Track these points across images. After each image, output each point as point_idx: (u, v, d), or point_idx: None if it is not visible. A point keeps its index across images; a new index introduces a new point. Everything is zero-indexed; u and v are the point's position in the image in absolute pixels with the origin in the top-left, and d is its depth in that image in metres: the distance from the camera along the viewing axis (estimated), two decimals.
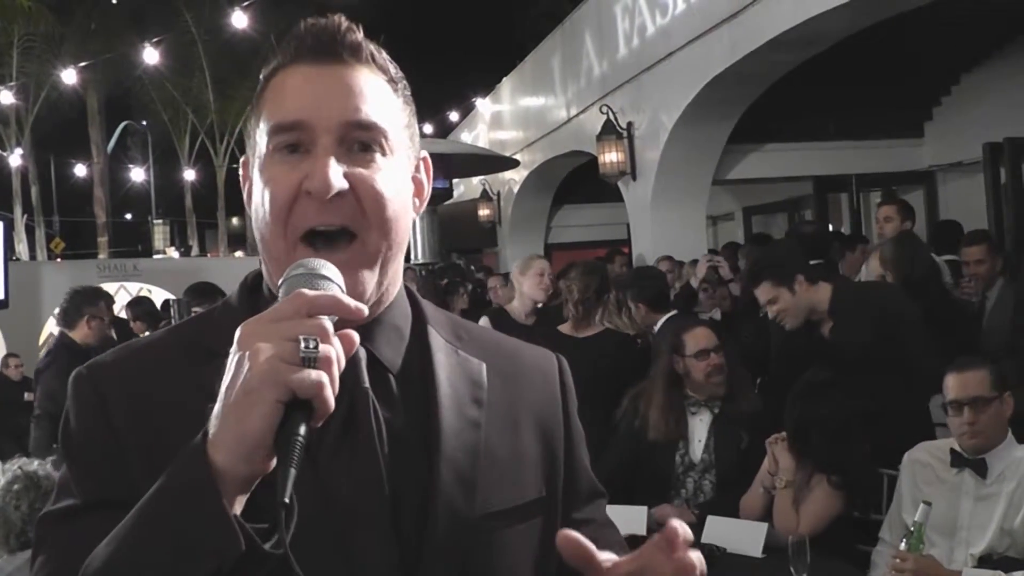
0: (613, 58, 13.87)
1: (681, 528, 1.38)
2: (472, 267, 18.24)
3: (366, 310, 1.35)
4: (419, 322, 1.67)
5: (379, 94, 1.57)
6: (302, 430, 1.23)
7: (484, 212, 19.72)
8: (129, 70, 29.00)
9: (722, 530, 4.90)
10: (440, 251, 12.01)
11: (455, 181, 16.33)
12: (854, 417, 5.08)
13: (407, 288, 1.70)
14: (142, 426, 1.47)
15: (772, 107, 11.94)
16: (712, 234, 18.72)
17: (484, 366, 1.66)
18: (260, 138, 1.56)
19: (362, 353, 1.51)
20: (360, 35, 1.58)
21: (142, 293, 17.66)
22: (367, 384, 1.51)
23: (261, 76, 1.61)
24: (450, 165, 11.01)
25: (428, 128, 27.95)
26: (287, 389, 1.21)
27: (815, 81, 11.56)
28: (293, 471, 1.21)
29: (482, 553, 1.54)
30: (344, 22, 1.58)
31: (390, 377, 1.58)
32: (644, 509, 5.09)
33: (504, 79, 20.66)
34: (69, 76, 21.25)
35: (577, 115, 15.42)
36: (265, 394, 1.21)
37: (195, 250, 35.86)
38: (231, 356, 1.27)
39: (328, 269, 1.40)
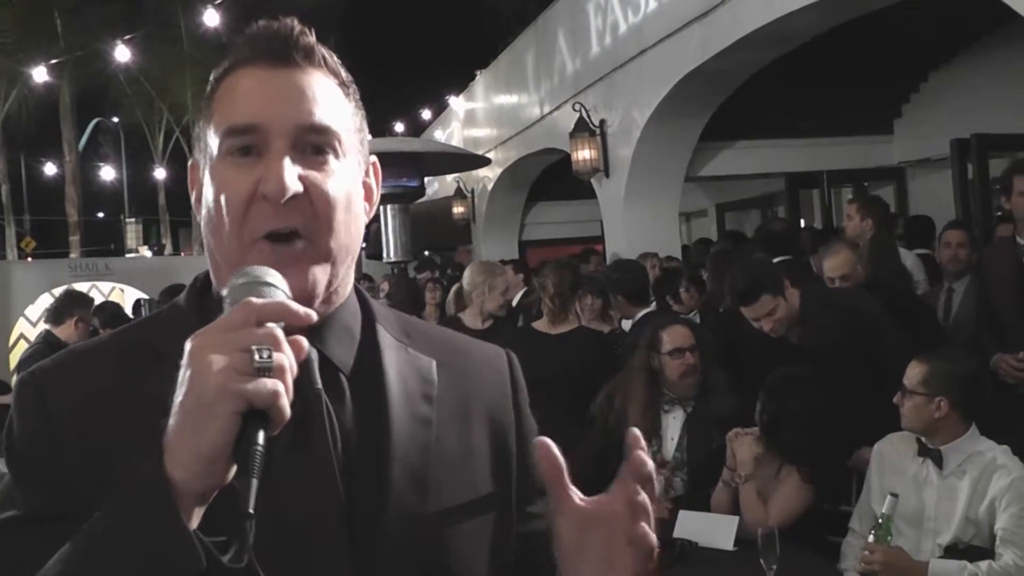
0: (586, 56, 13.89)
1: (647, 459, 1.39)
2: (447, 266, 18.25)
3: (314, 315, 1.33)
4: (368, 321, 1.67)
5: (332, 98, 1.57)
6: (260, 439, 1.22)
7: (458, 209, 19.71)
8: (102, 66, 28.85)
9: (694, 524, 4.94)
10: (413, 249, 11.99)
11: (428, 179, 16.32)
12: (827, 410, 5.12)
13: (356, 288, 1.70)
14: (88, 433, 1.44)
15: (744, 104, 11.98)
16: (685, 230, 18.80)
17: (434, 363, 1.66)
18: (211, 140, 1.55)
19: (314, 354, 1.50)
20: (313, 38, 1.58)
21: (114, 293, 17.57)
22: (320, 385, 1.50)
23: (212, 77, 1.60)
24: (422, 163, 10.99)
25: (401, 127, 27.95)
26: (243, 400, 1.20)
27: (786, 79, 11.60)
28: (255, 481, 1.20)
29: (437, 550, 1.54)
30: (297, 25, 1.58)
31: (342, 377, 1.57)
32: None
33: (478, 77, 20.65)
34: (40, 73, 21.12)
35: (550, 112, 15.44)
36: (221, 407, 1.20)
37: (168, 249, 35.71)
38: (182, 370, 1.25)
39: (272, 276, 1.38)
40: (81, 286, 16.12)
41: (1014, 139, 11.24)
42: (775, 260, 6.77)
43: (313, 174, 1.50)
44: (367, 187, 1.67)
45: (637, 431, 1.43)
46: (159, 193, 35.28)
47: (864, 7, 9.02)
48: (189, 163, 1.66)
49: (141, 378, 1.44)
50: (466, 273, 7.78)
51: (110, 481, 1.28)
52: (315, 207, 1.50)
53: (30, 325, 15.05)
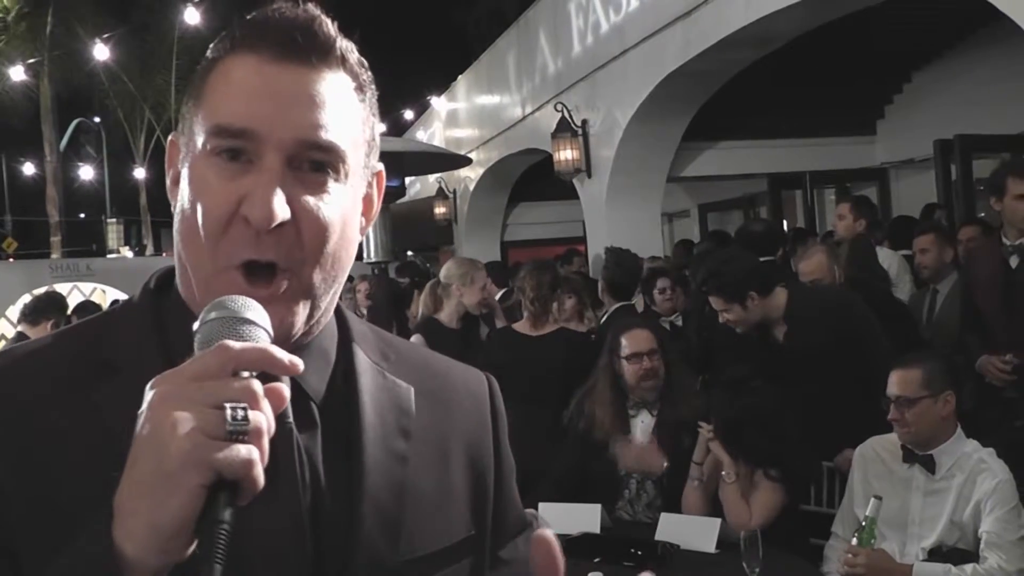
0: (568, 56, 13.86)
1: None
2: (428, 265, 18.21)
3: (301, 366, 1.15)
4: (345, 341, 1.50)
5: (343, 107, 1.37)
6: (228, 515, 1.05)
7: (440, 210, 19.68)
8: (83, 65, 28.77)
9: (675, 527, 4.91)
10: (393, 249, 11.93)
11: (410, 179, 16.25)
12: (782, 408, 5.13)
13: None
14: (22, 459, 1.26)
15: (726, 105, 11.97)
16: (668, 231, 18.80)
17: (412, 391, 1.51)
18: (197, 130, 1.36)
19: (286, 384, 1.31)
20: (334, 31, 1.38)
21: (96, 293, 17.49)
22: (291, 419, 1.34)
23: (208, 53, 1.40)
24: (403, 163, 10.93)
25: (383, 127, 27.91)
26: (212, 471, 1.03)
27: (769, 79, 11.62)
28: (219, 567, 1.02)
29: None
30: (317, 14, 1.37)
31: (313, 406, 1.40)
32: (597, 507, 5.07)
33: (460, 77, 20.62)
34: (17, 72, 21.01)
35: (532, 113, 15.41)
36: (186, 479, 1.03)
37: (150, 249, 35.59)
38: (140, 421, 1.07)
39: (253, 311, 1.19)
40: (62, 287, 16.04)
41: (997, 140, 11.27)
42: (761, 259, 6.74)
43: (306, 199, 1.32)
44: (367, 200, 1.48)
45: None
46: (140, 194, 35.14)
47: (846, 7, 9.01)
48: (169, 138, 1.47)
49: (88, 395, 1.29)
50: (444, 267, 7.72)
51: (47, 509, 1.19)
52: (303, 237, 1.32)
53: (11, 326, 15.03)
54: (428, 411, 1.51)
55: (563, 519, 4.79)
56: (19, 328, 8.91)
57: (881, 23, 11.25)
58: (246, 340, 1.14)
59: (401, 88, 27.64)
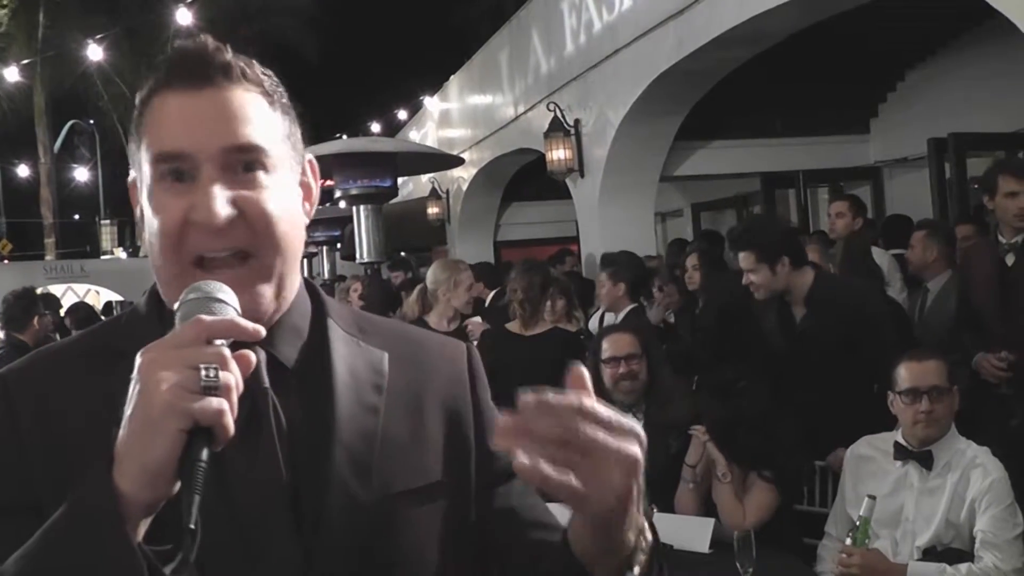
0: (560, 55, 13.84)
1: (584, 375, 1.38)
2: (423, 269, 18.18)
3: (263, 332, 1.39)
4: (319, 316, 1.70)
5: (255, 112, 1.58)
6: (204, 455, 1.27)
7: (433, 210, 19.65)
8: (76, 67, 28.75)
9: (669, 527, 4.88)
10: (387, 249, 11.93)
11: (403, 180, 16.23)
12: (772, 408, 5.13)
13: (307, 282, 1.74)
14: (48, 432, 1.52)
15: (719, 104, 11.97)
16: (661, 231, 18.76)
17: (386, 355, 1.70)
18: (144, 164, 1.58)
19: (262, 356, 1.53)
20: (229, 54, 1.59)
21: (90, 295, 17.48)
22: (267, 384, 1.55)
23: (137, 99, 1.62)
24: (395, 163, 10.94)
25: (376, 127, 27.91)
26: (189, 418, 1.26)
27: (762, 78, 11.60)
28: (197, 497, 1.25)
29: (382, 535, 1.57)
30: (211, 43, 1.59)
31: (288, 373, 1.60)
32: None
33: (452, 77, 20.60)
34: (11, 73, 20.98)
35: (525, 112, 15.39)
36: (168, 424, 1.26)
37: (143, 251, 35.59)
38: (132, 384, 1.31)
39: (223, 292, 1.44)
40: (56, 288, 16.04)
41: (991, 138, 11.28)
42: None
43: (245, 194, 1.54)
44: (305, 187, 1.69)
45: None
46: None
47: (839, 6, 9.00)
48: (128, 180, 1.70)
49: (103, 381, 1.48)
50: (429, 272, 7.74)
51: (68, 480, 1.34)
52: (253, 227, 1.54)
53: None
54: (402, 372, 1.70)
55: None
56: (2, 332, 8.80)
57: (874, 21, 11.22)
58: (217, 315, 1.38)
59: (394, 88, 27.68)
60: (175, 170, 1.53)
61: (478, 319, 7.85)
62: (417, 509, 1.62)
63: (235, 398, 1.30)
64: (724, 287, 7.20)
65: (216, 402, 1.27)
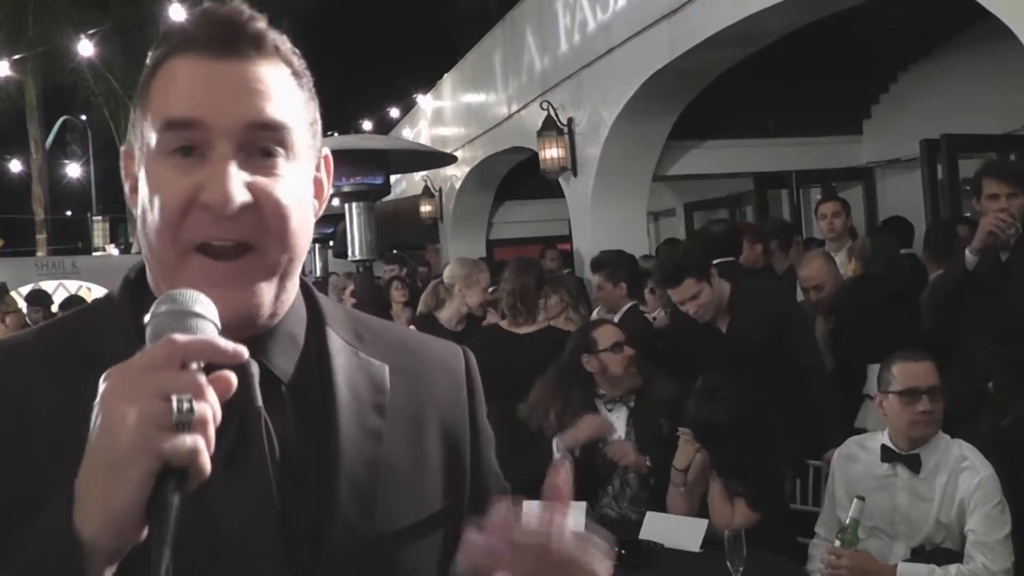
0: (554, 54, 13.83)
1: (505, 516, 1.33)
2: (419, 268, 18.19)
3: (245, 353, 1.20)
4: (316, 323, 1.54)
5: (284, 90, 1.42)
6: (176, 501, 1.11)
7: (426, 208, 19.64)
8: (67, 62, 28.66)
9: (660, 526, 4.90)
10: (379, 247, 11.91)
11: (396, 178, 16.21)
12: (758, 417, 5.12)
13: (303, 284, 1.56)
14: (4, 442, 1.33)
15: (712, 104, 11.96)
16: (653, 230, 18.78)
17: (387, 368, 1.55)
18: (148, 133, 1.40)
19: (255, 368, 1.39)
20: (263, 23, 1.43)
21: (82, 291, 17.43)
22: (260, 403, 1.39)
23: (148, 60, 1.44)
24: (387, 161, 10.92)
25: (369, 125, 27.86)
26: (159, 460, 1.10)
27: (755, 78, 11.60)
28: (167, 551, 1.09)
29: (383, 570, 1.45)
30: (246, 10, 1.42)
31: (283, 388, 1.45)
32: (583, 506, 5.06)
33: (445, 75, 20.59)
34: (2, 68, 20.90)
35: (518, 111, 15.37)
36: (134, 467, 1.10)
37: (135, 247, 35.50)
38: (95, 414, 1.14)
39: (201, 304, 1.24)
40: (48, 284, 15.99)
41: (984, 140, 11.28)
42: (715, 262, 6.75)
43: (262, 180, 1.37)
44: (317, 183, 1.54)
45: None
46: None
47: (833, 6, 9.00)
48: (122, 149, 1.52)
49: (70, 384, 1.32)
50: (447, 267, 7.79)
51: (25, 488, 1.24)
52: (265, 219, 1.37)
53: None
54: (403, 387, 1.55)
55: None
56: None
57: (867, 22, 11.23)
58: (193, 333, 1.19)
59: (387, 86, 27.61)
60: (184, 144, 1.36)
61: None
62: (419, 542, 1.50)
63: (212, 432, 1.14)
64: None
65: (190, 440, 1.11)
